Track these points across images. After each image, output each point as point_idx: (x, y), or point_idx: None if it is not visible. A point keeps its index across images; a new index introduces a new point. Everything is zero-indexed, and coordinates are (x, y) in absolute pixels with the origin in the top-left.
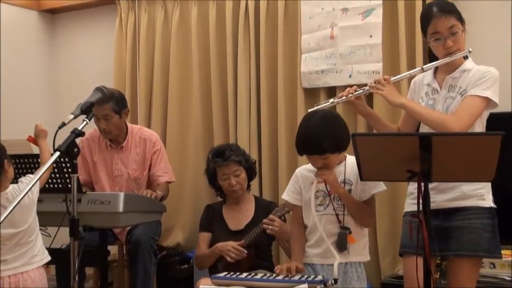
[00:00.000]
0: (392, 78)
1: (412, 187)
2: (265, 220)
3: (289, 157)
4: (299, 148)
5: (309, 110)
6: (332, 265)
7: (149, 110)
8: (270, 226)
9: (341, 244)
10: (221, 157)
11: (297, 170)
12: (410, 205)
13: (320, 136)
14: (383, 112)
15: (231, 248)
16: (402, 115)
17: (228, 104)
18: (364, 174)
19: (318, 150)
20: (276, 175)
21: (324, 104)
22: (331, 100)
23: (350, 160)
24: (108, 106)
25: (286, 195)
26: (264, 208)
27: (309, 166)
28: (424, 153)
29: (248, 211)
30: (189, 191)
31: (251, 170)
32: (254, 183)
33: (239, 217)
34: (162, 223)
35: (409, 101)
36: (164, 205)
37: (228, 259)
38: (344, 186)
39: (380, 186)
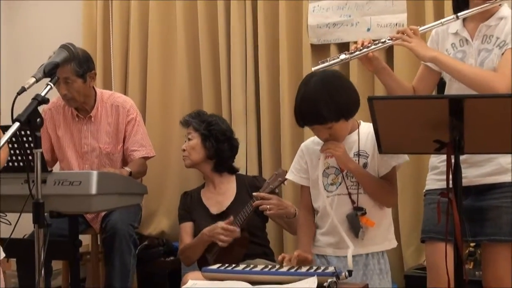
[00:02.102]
0: (421, 29)
1: (436, 159)
2: (258, 202)
3: (294, 130)
4: (297, 118)
5: (313, 69)
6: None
7: (125, 75)
8: (267, 206)
9: (354, 230)
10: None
11: (303, 144)
12: (434, 181)
13: (319, 102)
14: (405, 72)
15: (220, 230)
16: (419, 71)
17: (219, 67)
18: (383, 145)
19: (318, 119)
20: (278, 152)
21: (333, 61)
22: (342, 55)
23: (365, 127)
24: (69, 68)
25: (291, 174)
26: (248, 184)
27: (317, 138)
28: (454, 119)
29: (228, 191)
30: (175, 170)
31: (210, 141)
32: (252, 161)
33: (219, 199)
34: (142, 208)
35: (442, 54)
36: (145, 186)
37: (220, 243)
38: (359, 160)
39: (401, 157)
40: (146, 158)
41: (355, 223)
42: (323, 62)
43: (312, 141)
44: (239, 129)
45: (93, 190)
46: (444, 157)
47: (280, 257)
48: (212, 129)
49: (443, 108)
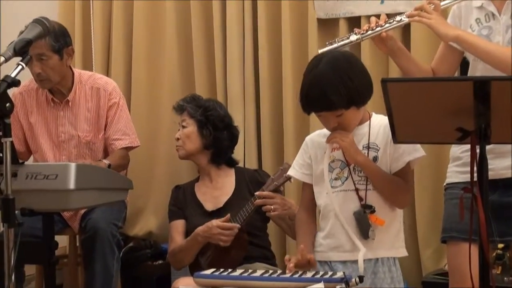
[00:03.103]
0: (442, 3)
1: (458, 149)
2: (260, 201)
3: (298, 117)
4: (304, 104)
5: (319, 51)
6: (357, 261)
7: (108, 55)
8: (271, 207)
9: (362, 229)
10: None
11: (308, 137)
12: (456, 174)
13: (328, 86)
14: (423, 53)
15: (217, 229)
16: (439, 51)
17: (213, 43)
18: (398, 134)
19: (326, 104)
20: (280, 141)
21: (342, 42)
22: (352, 35)
23: (377, 119)
24: (44, 43)
25: (293, 170)
26: (248, 178)
27: (324, 130)
28: (479, 104)
29: (226, 185)
30: (164, 162)
31: (208, 128)
32: (251, 154)
33: (216, 194)
34: (127, 205)
35: (466, 32)
36: (131, 181)
37: (221, 243)
38: (368, 153)
39: (417, 152)
40: (129, 149)
41: (364, 221)
42: (330, 44)
43: (318, 134)
44: (235, 116)
45: (71, 185)
46: (468, 146)
47: (286, 257)
48: (210, 115)
49: (467, 91)
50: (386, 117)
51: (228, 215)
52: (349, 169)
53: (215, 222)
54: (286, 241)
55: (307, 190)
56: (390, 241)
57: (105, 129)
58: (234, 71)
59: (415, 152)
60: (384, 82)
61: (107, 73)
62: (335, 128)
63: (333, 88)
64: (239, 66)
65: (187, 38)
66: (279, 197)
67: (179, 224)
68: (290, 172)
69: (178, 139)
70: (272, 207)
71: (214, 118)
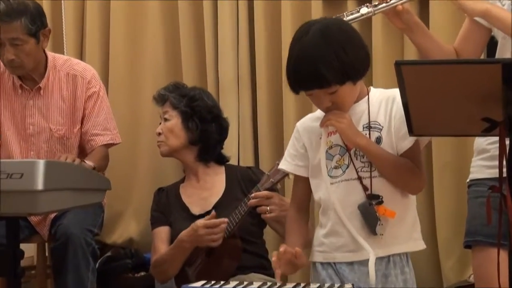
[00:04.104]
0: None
1: (485, 140)
2: (254, 201)
3: (300, 108)
4: (291, 81)
5: None
6: (365, 262)
7: (81, 36)
8: (268, 208)
9: (369, 224)
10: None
11: (299, 123)
12: (482, 168)
13: (319, 59)
14: (444, 30)
15: (203, 230)
16: (463, 28)
17: (203, 20)
18: (415, 125)
19: (317, 80)
20: (280, 136)
21: (351, 16)
22: (363, 8)
23: (376, 93)
24: (19, 25)
25: (284, 163)
26: (241, 176)
27: (318, 112)
28: (509, 91)
29: (216, 185)
30: (146, 160)
31: (194, 120)
32: (246, 150)
33: (204, 195)
34: (105, 208)
35: (495, 6)
36: (108, 181)
37: (213, 244)
38: (369, 134)
39: None
40: (109, 146)
41: (371, 214)
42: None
43: (310, 117)
44: (228, 104)
45: (40, 185)
46: (496, 138)
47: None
48: (196, 105)
49: (495, 76)
50: (387, 91)
51: (214, 212)
52: (350, 154)
53: (200, 222)
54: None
55: (300, 184)
56: (406, 234)
57: (82, 123)
58: (226, 53)
59: None
60: (398, 65)
61: (80, 57)
62: (329, 109)
63: (325, 61)
64: (232, 48)
65: (173, 15)
66: (276, 197)
67: (162, 231)
68: (282, 166)
69: (159, 133)
70: (268, 208)
71: (201, 109)
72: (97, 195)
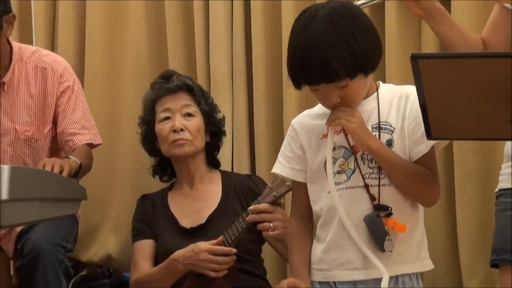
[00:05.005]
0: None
1: None
2: (255, 216)
3: (303, 106)
4: (294, 74)
5: None
6: (371, 282)
7: (53, 22)
8: (271, 225)
9: (376, 239)
10: (166, 79)
11: (295, 121)
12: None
13: (329, 49)
14: (469, 18)
15: (206, 255)
16: (492, 16)
17: (193, 11)
18: (433, 127)
19: (327, 74)
20: (280, 139)
21: (362, 0)
22: None
23: (386, 90)
24: None
25: (279, 167)
26: (239, 185)
27: (317, 108)
28: None
29: (210, 195)
30: (127, 166)
31: (214, 124)
32: (241, 155)
33: (196, 205)
34: (79, 221)
35: None
36: (83, 189)
37: (212, 274)
38: (379, 135)
39: None
40: (90, 147)
41: (379, 228)
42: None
43: (307, 114)
44: (221, 103)
45: (3, 194)
46: None
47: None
48: (213, 104)
49: None
50: (399, 87)
51: (221, 237)
52: (356, 158)
53: (203, 245)
54: (286, 268)
55: (300, 191)
56: (414, 251)
57: (55, 122)
58: (219, 44)
59: None
60: (415, 58)
61: (52, 47)
62: (336, 105)
63: (334, 51)
64: (225, 38)
65: (159, 13)
66: (279, 212)
67: (145, 246)
68: (276, 169)
69: (181, 129)
70: (271, 225)
71: (215, 109)
72: (70, 206)
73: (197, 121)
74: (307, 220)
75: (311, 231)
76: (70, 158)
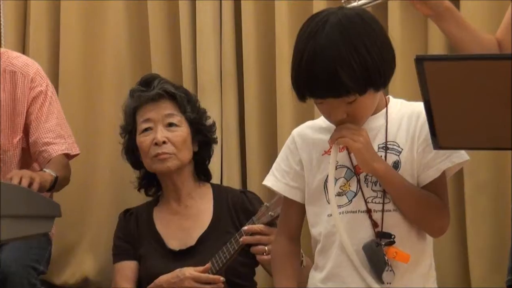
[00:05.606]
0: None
1: None
2: (248, 238)
3: (299, 113)
4: (300, 86)
5: None
6: None
7: (24, 22)
8: (266, 248)
9: (376, 269)
10: (146, 86)
11: (296, 132)
12: None
13: (339, 61)
14: (481, 17)
15: (192, 282)
16: (507, 15)
17: (178, 8)
18: (440, 136)
19: (336, 87)
20: (273, 150)
21: (364, 0)
22: None
23: (396, 106)
24: None
25: (272, 179)
26: (232, 202)
27: (320, 121)
28: None
29: (200, 213)
30: (105, 180)
31: (203, 132)
32: (231, 166)
33: (185, 225)
34: (53, 240)
35: None
36: (58, 205)
37: None
38: (386, 156)
39: (457, 155)
40: (69, 157)
41: (377, 257)
42: (348, 2)
43: (310, 126)
44: (209, 109)
45: None
46: None
47: None
48: (201, 111)
49: None
50: (411, 104)
51: (209, 264)
52: (358, 179)
53: (189, 272)
54: None
55: (291, 208)
56: (419, 284)
57: (27, 132)
58: (207, 46)
59: (453, 155)
60: (420, 60)
61: (23, 49)
62: (341, 121)
63: (345, 63)
64: (214, 39)
65: (140, 10)
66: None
67: (127, 267)
68: (268, 182)
69: (164, 142)
70: (266, 248)
71: (204, 116)
72: (43, 224)
73: (181, 132)
74: (296, 241)
75: (299, 253)
76: (44, 171)
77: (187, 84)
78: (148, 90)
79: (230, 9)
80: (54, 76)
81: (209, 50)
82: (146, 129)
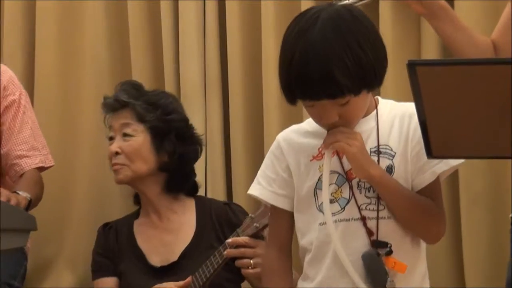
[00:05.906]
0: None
1: None
2: (233, 251)
3: (287, 119)
4: (290, 88)
5: None
6: None
7: None
8: (251, 261)
9: (375, 280)
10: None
11: (281, 136)
12: None
13: (333, 59)
14: (475, 17)
15: None
16: (503, 16)
17: (159, 9)
18: (434, 144)
19: (330, 88)
20: (260, 158)
21: None
22: None
23: (386, 107)
24: None
25: (257, 188)
26: (216, 215)
27: (305, 124)
28: None
29: (183, 227)
30: (83, 192)
31: (170, 141)
32: (215, 177)
33: (167, 239)
34: (28, 255)
35: None
36: (33, 218)
37: None
38: (378, 160)
39: (451, 160)
40: (40, 170)
41: (379, 268)
42: (338, 0)
43: (295, 130)
44: (193, 116)
45: None
46: None
47: None
48: (172, 119)
49: None
50: (401, 105)
51: (190, 278)
52: (351, 185)
53: (170, 286)
54: None
55: (280, 218)
56: None
57: None
58: (190, 50)
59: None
60: (412, 65)
61: None
62: (333, 125)
63: (340, 62)
64: (197, 42)
65: (120, 9)
66: (262, 247)
67: (108, 284)
68: (253, 191)
69: (116, 153)
70: (251, 261)
71: (178, 123)
72: (18, 238)
73: (134, 142)
74: (287, 251)
75: (290, 263)
76: (18, 193)
77: (169, 87)
78: (110, 98)
79: (214, 9)
80: (29, 82)
81: (193, 52)
82: (110, 138)
